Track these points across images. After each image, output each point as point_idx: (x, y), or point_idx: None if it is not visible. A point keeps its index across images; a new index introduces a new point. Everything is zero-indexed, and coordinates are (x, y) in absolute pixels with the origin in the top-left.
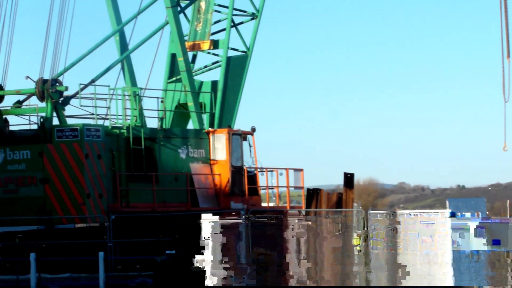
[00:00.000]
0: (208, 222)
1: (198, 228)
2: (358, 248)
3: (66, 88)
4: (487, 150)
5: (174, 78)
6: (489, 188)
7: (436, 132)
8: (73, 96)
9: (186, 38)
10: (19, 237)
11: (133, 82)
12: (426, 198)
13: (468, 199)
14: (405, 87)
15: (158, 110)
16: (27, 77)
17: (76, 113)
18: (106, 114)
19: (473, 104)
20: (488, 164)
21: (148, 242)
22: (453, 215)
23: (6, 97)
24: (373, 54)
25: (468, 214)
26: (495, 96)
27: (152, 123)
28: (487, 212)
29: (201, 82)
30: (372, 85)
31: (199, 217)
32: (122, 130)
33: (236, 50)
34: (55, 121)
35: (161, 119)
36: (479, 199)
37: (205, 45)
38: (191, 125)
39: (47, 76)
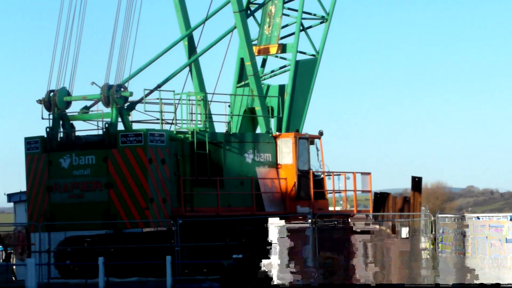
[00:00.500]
0: (275, 226)
1: (265, 233)
2: (427, 252)
3: (131, 94)
4: None
5: (243, 83)
6: None
7: (505, 135)
8: (139, 101)
9: (255, 42)
10: (87, 241)
11: (202, 87)
12: (495, 201)
13: None
14: (473, 88)
15: (225, 114)
16: (93, 83)
17: (142, 118)
18: (172, 119)
19: None
20: None
21: (215, 246)
22: None
23: (73, 102)
24: (443, 55)
25: None
26: None
27: (220, 127)
28: None
29: (268, 86)
30: (441, 87)
31: (265, 221)
32: (187, 135)
33: (305, 53)
34: (120, 127)
35: (228, 124)
36: None
37: (274, 49)
38: (259, 130)
39: (112, 81)
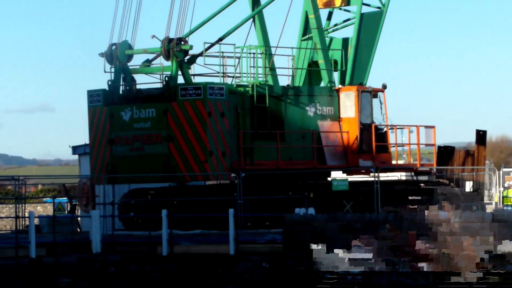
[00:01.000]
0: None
1: (327, 185)
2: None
3: (191, 47)
4: None
5: (307, 36)
6: None
7: None
8: (199, 55)
9: None
10: (151, 194)
11: (266, 40)
12: None
13: None
14: None
15: (288, 68)
16: (153, 36)
17: (203, 71)
18: (232, 73)
19: None
20: None
21: (277, 200)
22: None
23: (134, 56)
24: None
25: None
26: None
27: (283, 81)
28: None
29: (331, 39)
30: (502, 37)
31: (327, 175)
32: (247, 88)
33: (369, 5)
34: (181, 80)
35: (292, 77)
36: None
37: (339, 2)
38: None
39: (173, 35)
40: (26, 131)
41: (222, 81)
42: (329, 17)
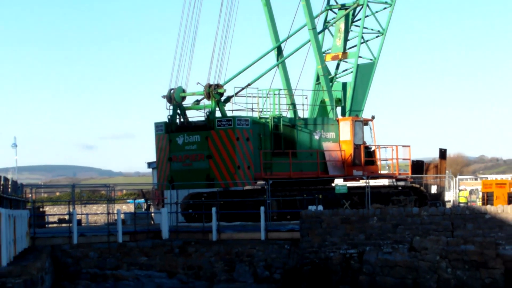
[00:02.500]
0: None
1: (331, 189)
2: (450, 203)
3: (225, 90)
4: None
5: (319, 81)
6: None
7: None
8: (232, 96)
9: (329, 51)
10: (204, 196)
11: (288, 83)
12: (500, 166)
13: None
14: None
15: (303, 104)
16: (198, 83)
17: (237, 108)
18: (257, 109)
19: None
20: None
21: (295, 200)
22: None
23: (187, 97)
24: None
25: None
26: None
27: (301, 114)
28: None
29: (332, 83)
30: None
31: (330, 182)
32: (267, 120)
33: (361, 57)
34: (218, 114)
35: (295, 111)
36: None
37: (344, 56)
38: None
39: (212, 81)
40: (114, 152)
41: (248, 115)
42: (337, 67)
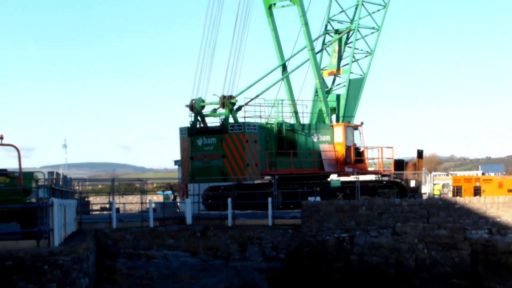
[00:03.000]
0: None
1: (327, 183)
2: (425, 194)
3: (236, 101)
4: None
5: (317, 93)
6: (506, 158)
7: (475, 119)
8: (242, 106)
9: (326, 67)
10: (221, 189)
11: (291, 94)
12: (467, 164)
13: (492, 165)
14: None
15: (303, 113)
16: (214, 94)
17: (248, 115)
18: (265, 116)
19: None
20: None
21: (297, 192)
22: (483, 174)
23: (206, 106)
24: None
25: (492, 174)
26: None
27: (302, 120)
28: (504, 173)
29: (329, 94)
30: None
31: (326, 177)
32: (272, 125)
33: (352, 73)
34: (231, 120)
35: (297, 117)
36: (499, 165)
37: (338, 72)
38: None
39: (226, 93)
40: (147, 151)
41: (257, 121)
42: (333, 81)
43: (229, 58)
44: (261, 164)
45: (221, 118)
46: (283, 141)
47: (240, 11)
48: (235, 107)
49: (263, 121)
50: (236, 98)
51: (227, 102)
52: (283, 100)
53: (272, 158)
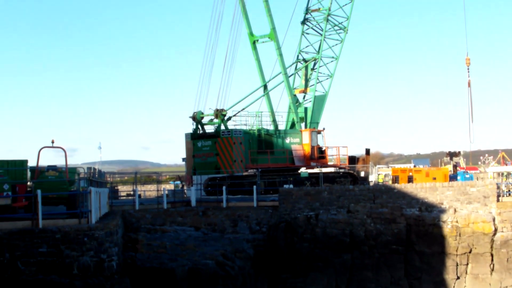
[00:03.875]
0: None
1: (298, 174)
2: (372, 182)
3: (226, 113)
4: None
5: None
6: (431, 154)
7: (411, 120)
8: (231, 117)
9: (298, 87)
10: (218, 179)
11: (271, 106)
12: (402, 159)
13: (421, 159)
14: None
15: (281, 121)
16: (210, 108)
17: (235, 123)
18: (248, 124)
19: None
20: (432, 142)
21: (275, 181)
22: (414, 166)
23: (205, 117)
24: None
25: (421, 166)
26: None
27: (282, 126)
28: (430, 165)
29: (299, 107)
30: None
31: (297, 169)
32: (254, 131)
33: (317, 91)
34: (223, 127)
35: (275, 125)
36: (426, 159)
37: (307, 90)
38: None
39: (219, 106)
40: (162, 150)
41: (242, 128)
42: (304, 97)
43: (221, 80)
44: (245, 160)
45: (215, 126)
46: (262, 143)
47: (230, 45)
48: (226, 118)
49: (248, 127)
50: (227, 111)
51: (219, 114)
52: (262, 112)
53: (254, 155)
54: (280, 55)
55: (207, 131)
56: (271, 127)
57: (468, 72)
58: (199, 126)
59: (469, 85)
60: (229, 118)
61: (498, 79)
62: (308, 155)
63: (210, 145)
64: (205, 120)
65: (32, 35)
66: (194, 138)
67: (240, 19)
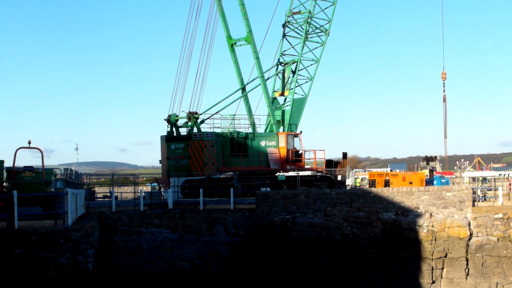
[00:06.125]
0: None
1: (275, 177)
2: (349, 186)
3: (199, 116)
4: (415, 137)
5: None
6: (407, 158)
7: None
8: (205, 119)
9: (278, 89)
10: (195, 181)
11: (249, 110)
12: (379, 163)
13: (398, 164)
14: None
15: (260, 124)
16: (183, 111)
17: (211, 126)
18: (221, 126)
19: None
20: (408, 147)
21: (253, 184)
22: (391, 171)
23: (179, 120)
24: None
25: (398, 170)
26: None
27: (260, 129)
28: (406, 170)
29: (279, 110)
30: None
31: (273, 173)
32: (227, 134)
33: (297, 94)
34: (195, 130)
35: (254, 127)
36: (403, 164)
37: (286, 93)
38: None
39: (192, 109)
40: (139, 152)
41: (216, 131)
42: (285, 100)
43: (195, 83)
44: (217, 163)
45: (188, 128)
46: (235, 145)
47: (205, 50)
48: (198, 120)
49: (221, 130)
50: (200, 114)
51: (192, 116)
52: (235, 115)
53: (227, 158)
54: (257, 58)
55: (181, 133)
56: (249, 130)
57: (444, 87)
58: (174, 129)
59: (444, 100)
60: (202, 121)
61: (475, 84)
62: (283, 158)
63: (182, 148)
64: (180, 122)
65: (9, 34)
66: (168, 140)
67: (218, 22)
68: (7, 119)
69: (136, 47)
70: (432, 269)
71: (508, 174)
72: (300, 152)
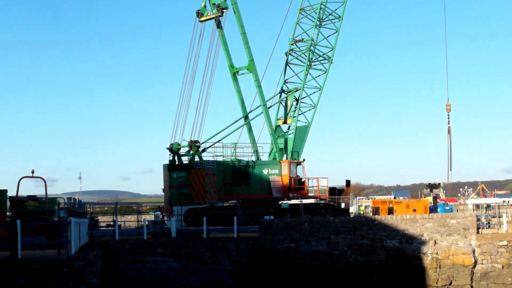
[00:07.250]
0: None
1: (279, 205)
2: (353, 214)
3: (200, 145)
4: (418, 166)
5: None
6: (411, 185)
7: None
8: (206, 148)
9: (282, 117)
10: (198, 210)
11: (252, 137)
12: (383, 190)
13: (401, 191)
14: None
15: (262, 152)
16: (184, 139)
17: (213, 155)
18: (223, 155)
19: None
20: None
21: (257, 212)
22: (394, 198)
23: (181, 148)
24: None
25: (401, 198)
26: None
27: (264, 157)
28: (410, 197)
29: (282, 138)
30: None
31: (275, 201)
32: (228, 162)
33: (300, 121)
34: (197, 159)
35: (257, 155)
36: (406, 191)
37: (289, 121)
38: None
39: (193, 138)
40: (142, 181)
41: (218, 159)
42: (289, 128)
43: (196, 111)
44: (218, 191)
45: (189, 157)
46: (236, 174)
47: (207, 78)
48: (200, 149)
49: (223, 159)
50: (201, 142)
51: (193, 145)
52: (236, 143)
53: (229, 187)
54: (259, 86)
55: (183, 162)
56: (252, 158)
57: (448, 118)
58: (176, 157)
59: (448, 131)
60: (204, 150)
61: (478, 111)
62: (286, 186)
63: (184, 176)
64: (182, 151)
65: (12, 65)
66: (171, 169)
67: (220, 50)
68: (10, 149)
69: (138, 76)
70: None
71: None
72: (303, 180)
